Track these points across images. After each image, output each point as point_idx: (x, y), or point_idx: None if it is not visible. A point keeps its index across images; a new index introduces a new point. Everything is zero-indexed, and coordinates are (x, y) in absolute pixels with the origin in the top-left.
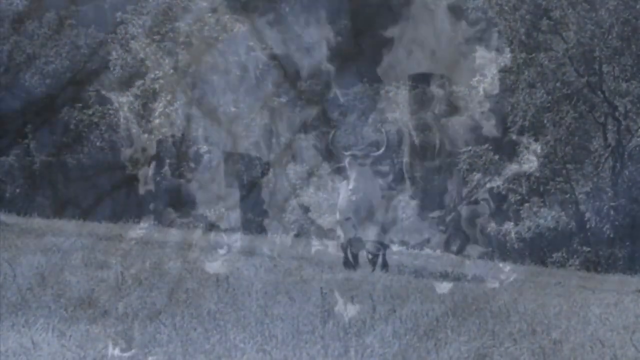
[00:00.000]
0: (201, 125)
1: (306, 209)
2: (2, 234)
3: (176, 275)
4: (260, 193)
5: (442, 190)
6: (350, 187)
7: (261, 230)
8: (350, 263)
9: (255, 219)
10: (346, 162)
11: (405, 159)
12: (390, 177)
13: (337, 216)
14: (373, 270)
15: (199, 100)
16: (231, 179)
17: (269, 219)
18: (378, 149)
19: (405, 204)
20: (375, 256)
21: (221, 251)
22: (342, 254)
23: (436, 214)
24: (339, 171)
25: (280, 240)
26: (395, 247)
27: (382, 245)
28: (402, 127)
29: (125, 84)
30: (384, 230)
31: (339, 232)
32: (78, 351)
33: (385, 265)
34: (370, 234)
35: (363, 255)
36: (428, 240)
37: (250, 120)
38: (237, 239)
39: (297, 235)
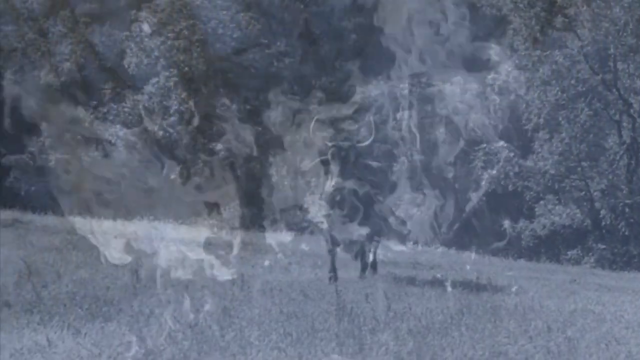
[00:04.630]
0: (215, 122)
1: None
2: (17, 231)
3: (191, 273)
4: (272, 192)
5: (454, 188)
6: (333, 182)
7: (274, 229)
8: (334, 269)
9: (266, 217)
10: (329, 153)
11: (418, 156)
12: (389, 172)
13: (322, 213)
14: (363, 272)
15: (213, 97)
16: (243, 178)
17: (280, 218)
18: (365, 140)
19: (420, 201)
20: (362, 255)
21: (236, 249)
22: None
23: (450, 211)
24: (322, 164)
25: (292, 238)
26: (408, 246)
27: (367, 244)
28: (415, 125)
29: (140, 81)
30: (374, 228)
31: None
32: (93, 349)
33: (374, 266)
34: (354, 232)
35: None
36: (442, 238)
37: (266, 118)
38: (252, 237)
39: (311, 234)
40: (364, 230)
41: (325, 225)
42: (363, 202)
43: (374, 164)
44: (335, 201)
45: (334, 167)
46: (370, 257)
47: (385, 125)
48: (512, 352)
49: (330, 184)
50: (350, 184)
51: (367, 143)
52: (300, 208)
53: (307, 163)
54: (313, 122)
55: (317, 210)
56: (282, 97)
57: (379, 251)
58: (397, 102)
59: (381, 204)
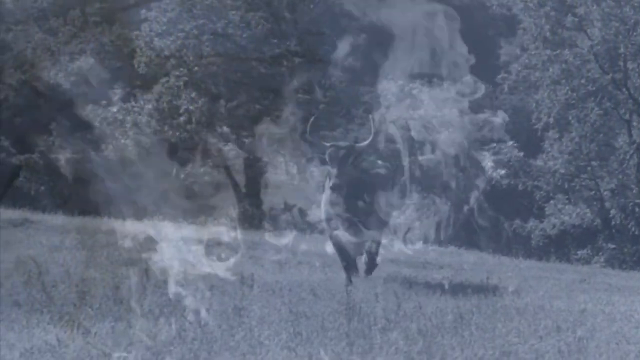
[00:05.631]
0: (224, 122)
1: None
2: (27, 231)
3: (200, 272)
4: (281, 192)
5: (463, 187)
6: (331, 184)
7: (283, 228)
8: (351, 269)
9: (275, 217)
10: (327, 154)
11: (425, 156)
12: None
13: (322, 216)
14: (368, 273)
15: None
16: (252, 178)
17: (289, 217)
18: (364, 140)
19: (429, 201)
20: (368, 256)
21: (244, 248)
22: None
23: (458, 211)
24: (319, 165)
25: (301, 237)
26: (417, 246)
27: (368, 246)
28: (423, 124)
29: (150, 81)
30: (375, 229)
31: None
32: (103, 348)
33: (370, 268)
34: (354, 233)
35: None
36: (452, 237)
37: (275, 118)
38: (261, 237)
39: (320, 233)
40: (365, 231)
41: (325, 228)
42: (364, 203)
43: (377, 163)
44: (334, 203)
45: (332, 168)
46: (365, 259)
47: (392, 124)
48: (522, 351)
49: (328, 185)
50: (349, 185)
51: (366, 143)
52: (300, 211)
53: (309, 163)
54: (311, 121)
55: (317, 213)
56: (291, 96)
57: (381, 252)
58: (406, 101)
59: (384, 204)
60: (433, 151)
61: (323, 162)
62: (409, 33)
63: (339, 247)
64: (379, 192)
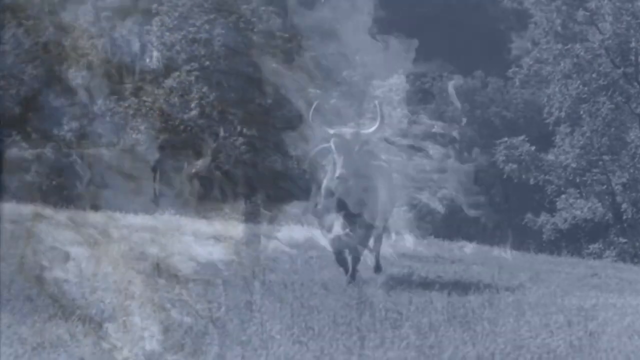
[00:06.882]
0: (236, 116)
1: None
2: (39, 225)
3: (212, 266)
4: (293, 186)
5: (475, 182)
6: (337, 174)
7: (294, 222)
8: (347, 268)
9: (288, 211)
10: (331, 142)
11: (438, 149)
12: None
13: (321, 205)
14: (350, 273)
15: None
16: (264, 172)
17: (300, 212)
18: (370, 127)
19: (441, 195)
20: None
21: (256, 243)
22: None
23: (469, 205)
24: (323, 154)
25: (313, 232)
26: (429, 240)
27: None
28: (436, 117)
29: (161, 75)
30: (377, 225)
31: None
32: (115, 343)
33: (378, 268)
34: (359, 231)
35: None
36: (463, 232)
37: (287, 112)
38: (272, 231)
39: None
40: (368, 227)
41: (323, 219)
42: (369, 197)
43: (382, 158)
44: (339, 195)
45: (337, 158)
46: (371, 259)
47: (405, 118)
48: (533, 346)
49: (334, 175)
50: (355, 176)
51: (372, 130)
52: (310, 204)
53: (315, 154)
54: (313, 108)
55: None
56: (302, 90)
57: (389, 248)
58: (418, 95)
59: (389, 198)
60: (444, 145)
61: (328, 150)
62: (418, 27)
63: (338, 246)
64: (383, 185)
